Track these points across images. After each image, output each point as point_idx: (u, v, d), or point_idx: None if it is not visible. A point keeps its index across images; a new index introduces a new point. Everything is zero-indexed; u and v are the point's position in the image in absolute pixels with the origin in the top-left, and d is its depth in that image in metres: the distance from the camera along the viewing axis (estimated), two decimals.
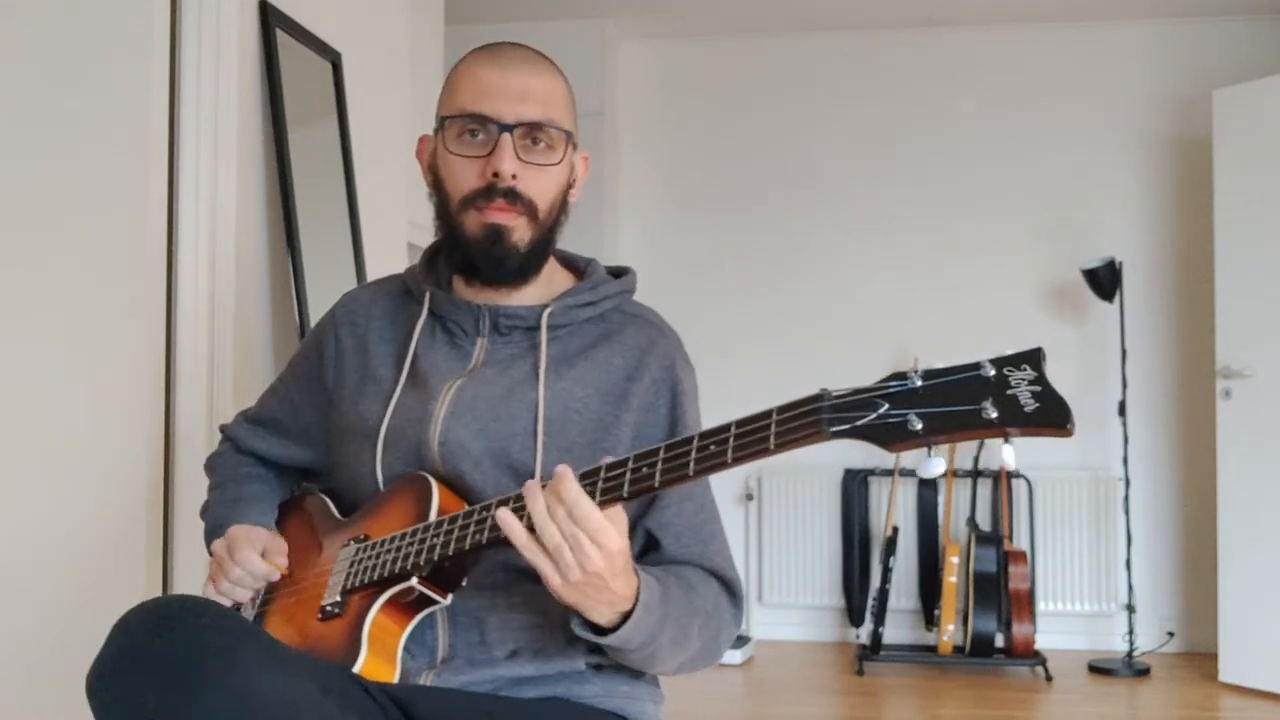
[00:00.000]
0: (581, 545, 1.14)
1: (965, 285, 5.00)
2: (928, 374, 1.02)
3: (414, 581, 1.28)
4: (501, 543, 1.21)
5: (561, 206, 1.43)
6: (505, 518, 1.17)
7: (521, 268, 1.41)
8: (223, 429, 1.68)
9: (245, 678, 1.07)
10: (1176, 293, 4.91)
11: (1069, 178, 4.99)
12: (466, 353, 1.44)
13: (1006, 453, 1.03)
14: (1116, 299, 4.62)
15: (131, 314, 2.06)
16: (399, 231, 3.13)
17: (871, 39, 5.11)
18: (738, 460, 1.08)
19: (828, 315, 5.07)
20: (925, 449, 1.03)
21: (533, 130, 1.38)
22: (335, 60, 2.73)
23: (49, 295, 2.08)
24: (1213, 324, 4.37)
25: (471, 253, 1.40)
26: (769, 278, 5.13)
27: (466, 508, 1.28)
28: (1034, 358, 1.00)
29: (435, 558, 1.26)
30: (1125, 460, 4.61)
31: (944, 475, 4.63)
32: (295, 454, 1.58)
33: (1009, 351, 1.02)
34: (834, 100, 5.13)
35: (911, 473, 4.82)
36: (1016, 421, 0.98)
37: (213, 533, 1.51)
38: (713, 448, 1.11)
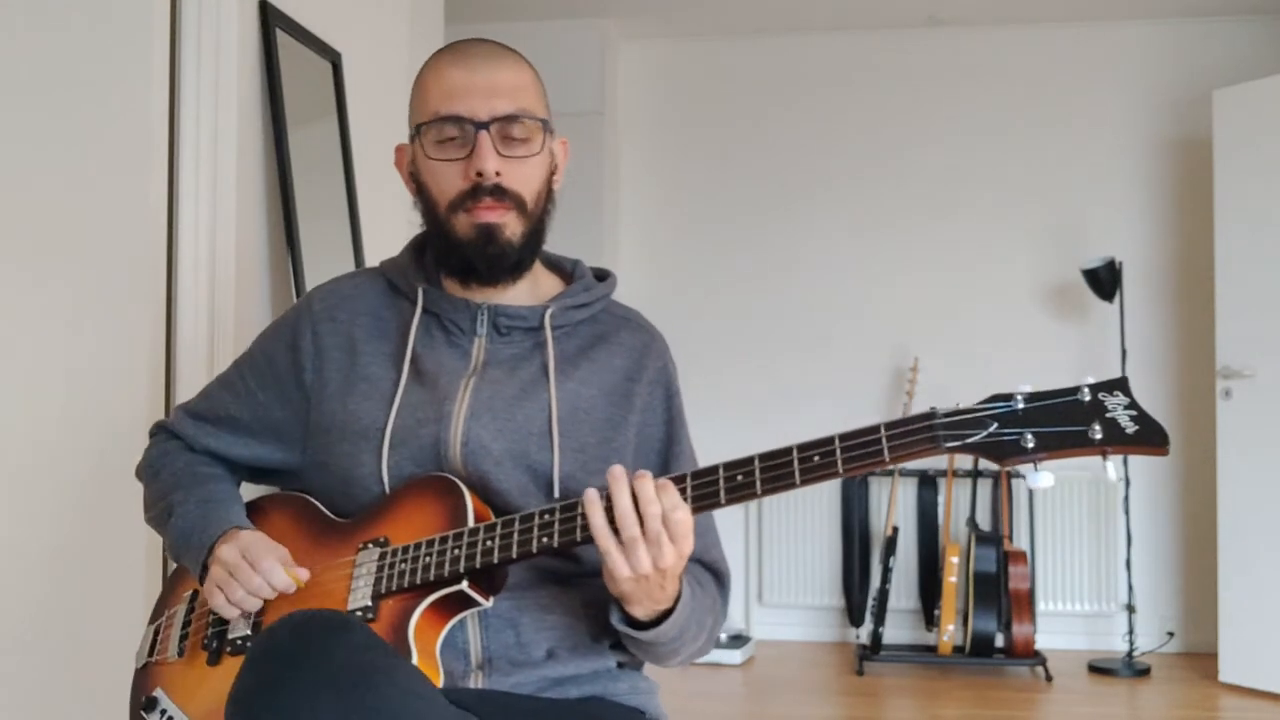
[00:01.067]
0: (662, 544, 1.17)
1: (965, 285, 5.00)
2: (1030, 397, 1.15)
3: (464, 585, 1.26)
4: (569, 547, 1.23)
5: (548, 195, 1.44)
6: (591, 498, 1.19)
7: (518, 262, 1.42)
8: (163, 425, 1.55)
9: (408, 695, 1.08)
10: (1176, 293, 4.91)
11: (1069, 178, 4.99)
12: (466, 351, 1.43)
13: (1110, 469, 1.13)
14: (1116, 299, 4.62)
15: (131, 313, 2.06)
16: (399, 231, 3.13)
17: (871, 39, 5.11)
18: (849, 471, 1.17)
19: (827, 312, 5.07)
20: (1032, 464, 1.15)
21: (508, 124, 1.37)
22: (335, 60, 2.73)
23: (49, 295, 2.08)
24: (1213, 324, 4.37)
25: (467, 254, 1.40)
26: (768, 274, 5.12)
27: (527, 510, 1.27)
28: (1123, 385, 1.14)
29: (495, 560, 1.24)
30: (1125, 460, 4.61)
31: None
32: (261, 453, 1.49)
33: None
34: (834, 99, 5.13)
35: (911, 473, 4.82)
36: (1120, 441, 1.11)
37: (187, 537, 1.40)
38: (817, 459, 1.17)
